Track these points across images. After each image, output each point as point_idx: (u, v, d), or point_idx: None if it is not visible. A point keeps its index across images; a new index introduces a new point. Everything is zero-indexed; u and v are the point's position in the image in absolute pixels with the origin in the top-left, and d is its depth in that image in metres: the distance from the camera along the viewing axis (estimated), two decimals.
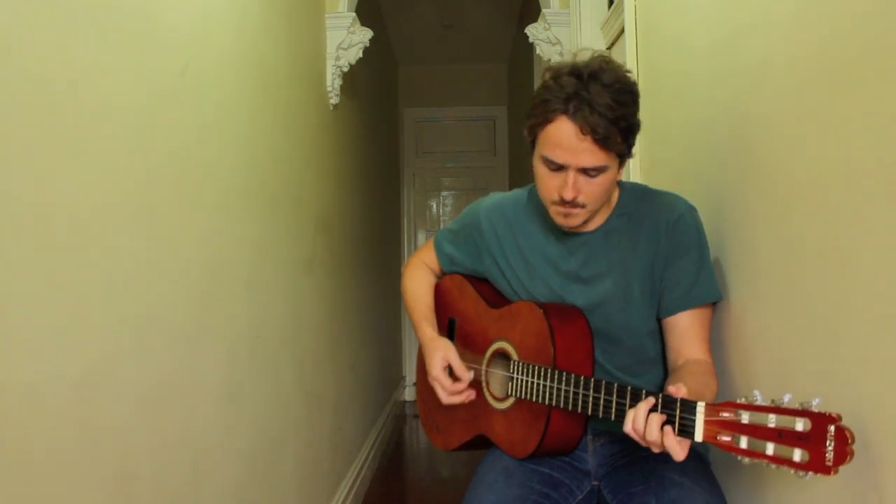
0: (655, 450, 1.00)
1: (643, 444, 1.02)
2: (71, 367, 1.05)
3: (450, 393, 1.37)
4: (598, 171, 1.17)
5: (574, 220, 1.24)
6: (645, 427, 1.00)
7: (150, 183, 1.30)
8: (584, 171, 1.17)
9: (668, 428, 0.98)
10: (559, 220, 1.25)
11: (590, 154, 1.15)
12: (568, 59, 1.21)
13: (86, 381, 1.08)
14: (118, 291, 1.18)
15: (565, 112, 1.14)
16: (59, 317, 1.02)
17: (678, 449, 0.97)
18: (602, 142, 1.14)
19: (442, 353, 1.40)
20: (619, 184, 1.34)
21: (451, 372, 1.40)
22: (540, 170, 1.23)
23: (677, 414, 0.98)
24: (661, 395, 1.01)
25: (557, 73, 1.18)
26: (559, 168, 1.18)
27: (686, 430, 0.96)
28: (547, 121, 1.17)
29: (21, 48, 0.96)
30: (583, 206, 1.21)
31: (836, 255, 0.95)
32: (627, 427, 1.02)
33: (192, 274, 1.47)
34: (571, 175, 1.17)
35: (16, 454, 0.94)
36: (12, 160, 0.93)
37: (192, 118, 1.50)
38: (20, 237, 0.95)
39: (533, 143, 1.23)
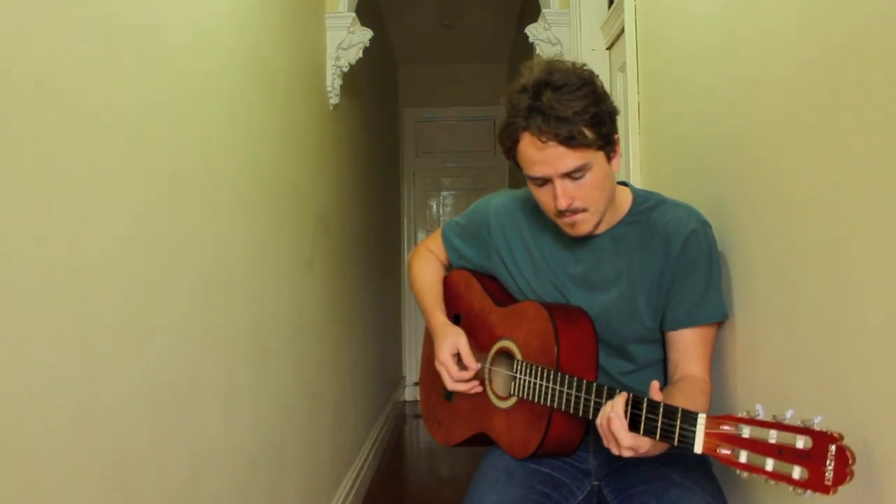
0: (614, 449, 1.06)
1: (605, 440, 1.06)
2: (71, 368, 1.05)
3: (455, 380, 1.36)
4: (581, 170, 1.16)
5: (582, 226, 1.22)
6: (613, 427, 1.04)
7: (150, 183, 1.30)
8: (569, 176, 1.17)
9: (614, 416, 1.04)
10: (569, 231, 1.24)
11: (563, 158, 1.15)
12: (522, 79, 1.20)
13: (86, 383, 1.08)
14: (118, 292, 1.18)
15: (526, 128, 1.16)
16: (58, 318, 1.02)
17: (625, 436, 1.03)
18: (568, 142, 1.13)
19: (453, 339, 1.37)
20: (633, 191, 1.33)
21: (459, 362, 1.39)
22: (532, 189, 1.24)
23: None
24: (662, 405, 1.01)
25: (510, 94, 1.19)
26: (545, 182, 1.19)
27: (686, 442, 0.96)
28: (515, 142, 1.19)
29: (23, 50, 0.96)
30: (584, 210, 1.20)
31: (837, 262, 0.94)
32: (600, 421, 1.06)
33: (191, 274, 1.47)
34: (558, 184, 1.17)
35: (16, 455, 0.94)
36: (13, 161, 0.93)
37: (192, 118, 1.50)
38: (20, 238, 0.95)
39: (519, 167, 1.24)
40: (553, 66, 1.17)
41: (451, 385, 1.37)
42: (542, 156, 1.16)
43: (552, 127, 1.12)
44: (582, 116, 1.13)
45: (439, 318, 1.45)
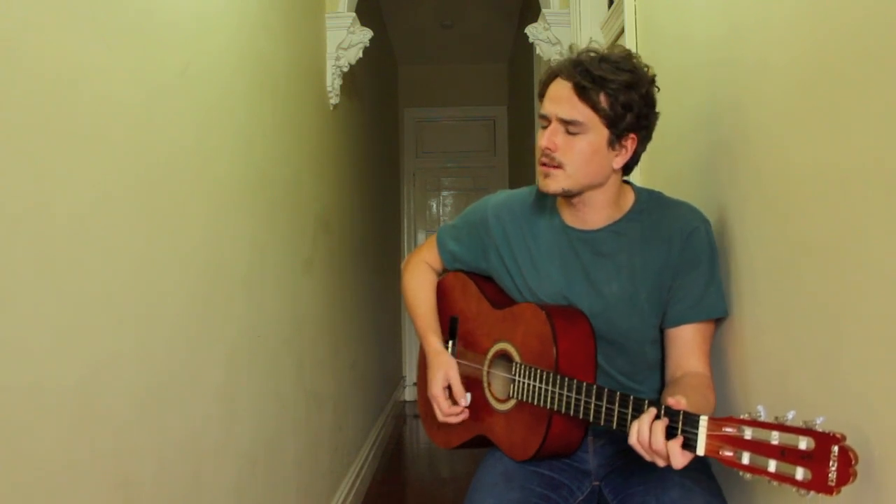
0: (661, 463, 1.00)
1: (648, 456, 1.01)
2: (71, 368, 1.05)
3: (445, 415, 1.41)
4: (577, 126, 1.20)
5: (552, 182, 1.24)
6: (650, 437, 0.99)
7: (150, 183, 1.30)
8: (565, 126, 1.21)
9: (675, 438, 0.98)
10: (540, 182, 1.27)
11: (568, 103, 1.20)
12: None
13: (86, 383, 1.08)
14: (118, 292, 1.18)
15: (560, 73, 1.23)
16: (58, 318, 1.02)
17: (679, 457, 0.97)
18: (580, 90, 1.19)
19: (444, 371, 1.41)
20: (636, 189, 1.34)
21: (450, 392, 1.42)
22: (538, 135, 1.28)
23: (679, 427, 0.98)
24: (663, 407, 1.01)
25: (578, 50, 1.26)
26: (546, 126, 1.24)
27: (688, 444, 0.96)
28: (549, 81, 1.26)
29: (22, 47, 0.96)
30: (560, 167, 1.22)
31: (837, 259, 0.94)
32: (633, 439, 1.02)
33: (191, 274, 1.47)
34: (552, 126, 1.23)
35: (16, 456, 0.94)
36: (12, 159, 0.93)
37: (192, 118, 1.50)
38: (20, 237, 0.95)
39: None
40: (625, 52, 1.25)
41: (441, 419, 1.42)
42: (556, 94, 1.23)
43: (576, 74, 1.19)
44: (607, 84, 1.18)
45: (431, 342, 1.47)
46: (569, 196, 1.27)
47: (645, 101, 1.22)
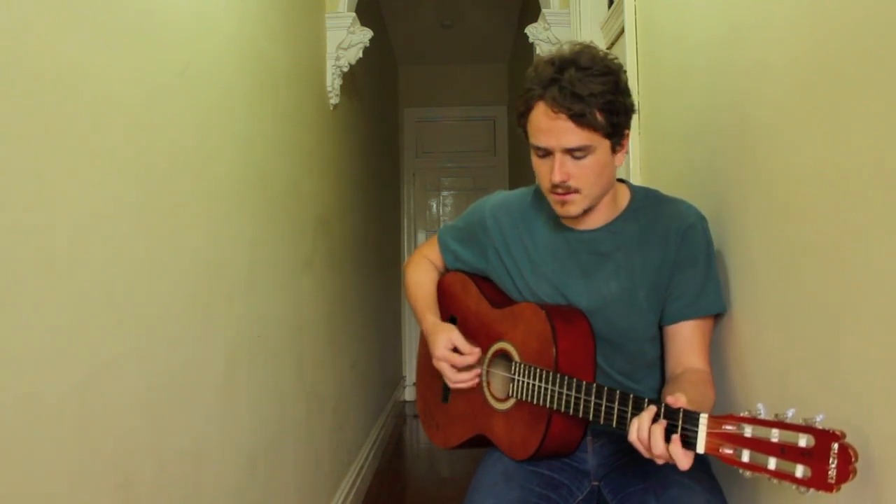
0: (659, 461, 1.00)
1: (647, 454, 1.01)
2: (71, 369, 1.05)
3: (458, 368, 1.34)
4: (583, 151, 1.18)
5: (571, 207, 1.23)
6: (650, 437, 0.99)
7: (150, 183, 1.30)
8: (570, 154, 1.18)
9: (675, 437, 0.97)
10: (558, 210, 1.25)
11: (569, 133, 1.17)
12: (553, 49, 1.24)
13: (86, 384, 1.08)
14: (118, 292, 1.18)
15: (542, 97, 1.18)
16: (58, 319, 1.02)
17: (683, 458, 0.97)
18: (578, 119, 1.15)
19: (446, 334, 1.36)
20: (631, 188, 1.34)
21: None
22: (534, 160, 1.25)
23: (679, 424, 0.98)
24: (662, 405, 1.01)
25: (538, 63, 1.22)
26: (547, 154, 1.21)
27: (688, 442, 0.96)
28: (529, 109, 1.22)
29: (21, 47, 0.96)
30: (577, 192, 1.21)
31: (836, 259, 0.94)
32: (633, 437, 1.02)
33: (191, 274, 1.47)
34: (558, 157, 1.19)
35: (16, 458, 0.94)
36: (12, 160, 0.93)
37: (192, 118, 1.50)
38: (20, 237, 0.95)
39: (527, 137, 1.25)
40: (584, 49, 1.20)
41: (454, 377, 1.34)
42: (550, 126, 1.18)
43: (567, 101, 1.15)
44: (597, 99, 1.15)
45: (429, 319, 1.45)
46: (587, 211, 1.26)
47: (626, 93, 1.21)
